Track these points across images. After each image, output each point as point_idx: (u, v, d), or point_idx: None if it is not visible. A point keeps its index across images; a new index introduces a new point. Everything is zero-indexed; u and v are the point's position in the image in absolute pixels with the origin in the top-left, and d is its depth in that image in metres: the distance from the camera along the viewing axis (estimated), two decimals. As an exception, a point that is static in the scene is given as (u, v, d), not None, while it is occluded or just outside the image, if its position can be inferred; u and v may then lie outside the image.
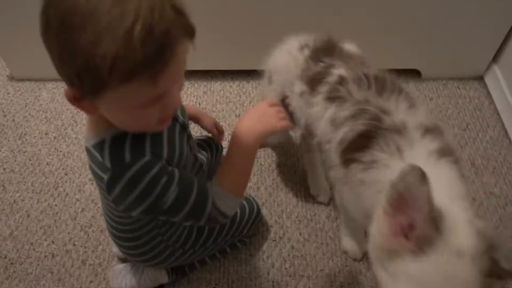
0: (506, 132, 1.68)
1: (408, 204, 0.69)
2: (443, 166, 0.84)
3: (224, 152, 1.49)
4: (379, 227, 0.74)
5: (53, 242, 1.43)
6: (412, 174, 0.66)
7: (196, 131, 1.59)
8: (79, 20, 0.64)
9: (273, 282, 1.35)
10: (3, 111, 1.81)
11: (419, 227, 0.69)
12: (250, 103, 1.78)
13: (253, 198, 1.40)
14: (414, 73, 1.88)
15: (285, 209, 1.50)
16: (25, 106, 1.82)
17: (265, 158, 1.62)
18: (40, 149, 1.67)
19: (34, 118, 1.77)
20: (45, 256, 1.40)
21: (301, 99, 1.13)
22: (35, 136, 1.71)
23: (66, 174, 1.59)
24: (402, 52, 1.76)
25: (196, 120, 1.31)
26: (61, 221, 1.48)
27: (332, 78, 1.05)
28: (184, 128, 1.02)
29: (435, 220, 0.68)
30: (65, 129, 1.73)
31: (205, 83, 1.85)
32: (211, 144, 1.47)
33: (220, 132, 1.34)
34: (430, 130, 0.89)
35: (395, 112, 0.92)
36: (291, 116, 1.19)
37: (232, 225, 1.28)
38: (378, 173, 0.87)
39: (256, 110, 1.01)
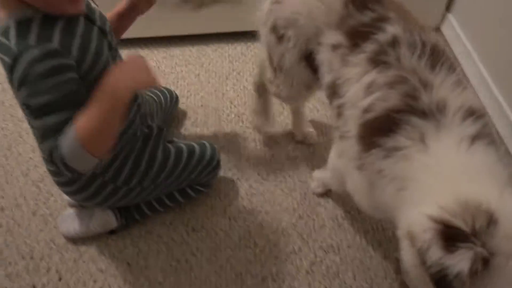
0: (465, 75, 1.69)
1: None
2: (477, 151, 0.74)
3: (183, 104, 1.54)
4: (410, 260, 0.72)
5: (2, 197, 1.38)
6: None
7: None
8: None
9: (230, 218, 1.30)
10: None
11: None
12: (209, 64, 1.78)
13: (211, 147, 1.31)
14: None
15: (244, 153, 1.46)
16: (-17, 80, 1.80)
17: (224, 110, 1.60)
18: (-5, 116, 1.64)
19: (-8, 90, 1.75)
20: (-7, 210, 1.34)
21: (334, 54, 0.94)
22: (-9, 105, 1.68)
23: (21, 137, 1.56)
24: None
25: (132, 8, 1.16)
26: (12, 177, 1.43)
27: (385, 36, 0.87)
28: (104, 33, 1.01)
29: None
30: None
31: (164, 49, 1.86)
32: (166, 92, 1.46)
33: None
34: (472, 113, 0.77)
35: (438, 87, 0.80)
36: (314, 70, 1.03)
37: (175, 166, 1.21)
38: (397, 165, 0.78)
39: (133, 66, 0.95)
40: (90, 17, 0.97)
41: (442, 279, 0.63)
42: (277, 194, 1.35)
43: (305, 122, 1.48)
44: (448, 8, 1.80)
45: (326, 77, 0.98)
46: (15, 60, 0.83)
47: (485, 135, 0.76)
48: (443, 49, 0.87)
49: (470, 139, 0.74)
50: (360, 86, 0.87)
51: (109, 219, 1.25)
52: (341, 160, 0.97)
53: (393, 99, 0.80)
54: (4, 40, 0.85)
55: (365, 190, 0.89)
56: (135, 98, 1.11)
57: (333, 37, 0.94)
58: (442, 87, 0.80)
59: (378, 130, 0.80)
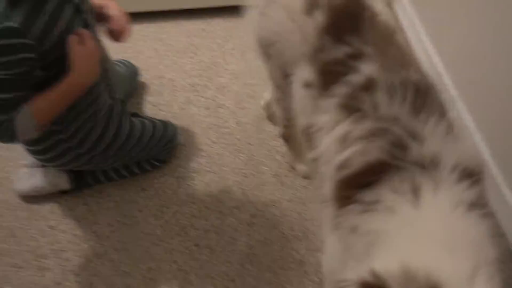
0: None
1: None
2: (473, 221, 0.62)
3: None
4: None
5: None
6: None
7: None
8: None
9: (178, 178, 1.36)
10: None
11: None
12: (168, 39, 1.83)
13: (173, 127, 1.39)
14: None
15: (196, 120, 1.52)
16: None
17: (179, 80, 1.65)
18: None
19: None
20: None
21: (306, 93, 0.84)
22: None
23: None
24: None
25: (101, 8, 1.22)
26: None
27: (358, 78, 0.75)
28: (79, 11, 1.06)
29: None
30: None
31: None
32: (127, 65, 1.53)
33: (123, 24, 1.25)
34: (470, 174, 0.66)
35: (430, 139, 0.68)
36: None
37: (138, 140, 1.27)
38: (377, 219, 0.65)
39: (93, 60, 1.06)
40: None
41: None
42: (225, 156, 1.41)
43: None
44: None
45: (300, 119, 0.88)
46: None
47: (483, 205, 0.65)
48: (428, 89, 0.74)
49: (467, 205, 0.63)
50: (333, 139, 0.75)
51: (62, 180, 1.30)
52: (324, 230, 0.83)
53: (374, 152, 0.69)
54: None
55: (339, 256, 0.74)
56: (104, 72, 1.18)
57: (306, 72, 0.83)
58: (433, 139, 0.68)
59: (357, 185, 0.69)
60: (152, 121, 1.34)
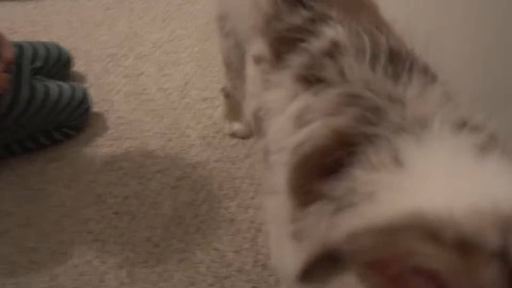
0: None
1: None
2: (489, 161, 0.44)
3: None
4: None
5: None
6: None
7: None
8: None
9: (94, 147, 1.23)
10: None
11: None
12: (83, 12, 1.70)
13: (81, 89, 1.26)
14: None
15: (114, 88, 1.40)
16: None
17: (94, 52, 1.52)
18: None
19: None
20: None
21: (256, 70, 0.71)
22: None
23: None
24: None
25: None
26: None
27: (319, 43, 0.61)
28: None
29: None
30: None
31: (35, 0, 1.75)
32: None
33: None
34: (466, 124, 0.50)
35: (413, 102, 0.53)
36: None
37: (42, 104, 1.14)
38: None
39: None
40: None
41: None
42: (146, 122, 1.30)
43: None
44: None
45: (250, 103, 0.74)
46: None
47: (494, 146, 0.47)
48: (407, 52, 0.60)
49: (477, 148, 0.46)
50: (288, 118, 0.60)
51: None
52: (271, 226, 0.68)
53: (342, 123, 0.53)
54: None
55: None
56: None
57: (256, 46, 0.71)
58: (417, 101, 0.53)
59: (321, 171, 0.51)
60: (57, 83, 1.20)
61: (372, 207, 0.42)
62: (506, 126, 0.51)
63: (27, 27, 1.62)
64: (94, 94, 1.36)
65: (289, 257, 0.58)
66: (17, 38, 1.32)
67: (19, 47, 1.17)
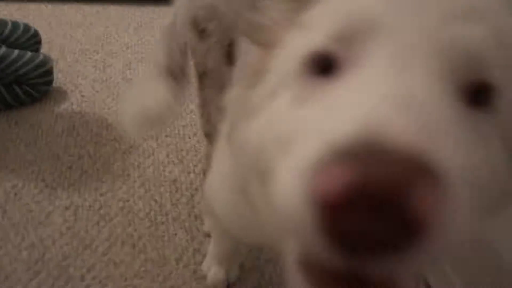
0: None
1: None
2: None
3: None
4: None
5: None
6: None
7: None
8: None
9: (57, 116, 1.36)
10: None
11: None
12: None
13: (44, 55, 1.42)
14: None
15: (81, 75, 1.56)
16: None
17: (68, 45, 1.69)
18: None
19: None
20: None
21: None
22: None
23: None
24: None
25: None
26: None
27: None
28: None
29: None
30: None
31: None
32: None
33: None
34: None
35: None
36: None
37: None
38: None
39: None
40: None
41: None
42: (107, 102, 1.45)
43: None
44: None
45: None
46: None
47: None
48: None
49: None
50: None
51: None
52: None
53: None
54: None
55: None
56: None
57: None
58: None
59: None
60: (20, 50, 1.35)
61: None
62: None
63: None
64: (61, 77, 1.52)
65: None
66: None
67: None
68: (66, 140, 1.29)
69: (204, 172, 1.07)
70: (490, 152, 0.31)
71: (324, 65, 0.33)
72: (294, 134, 0.31)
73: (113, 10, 1.96)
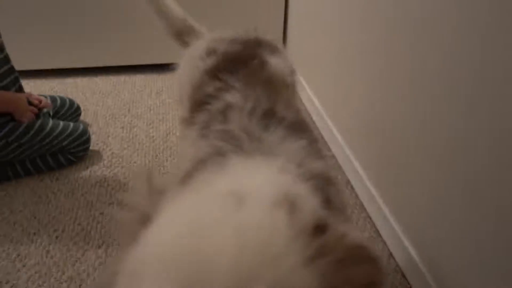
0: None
1: None
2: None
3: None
4: None
5: None
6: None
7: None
8: None
9: (90, 170, 1.59)
10: None
11: None
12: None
13: (83, 125, 1.65)
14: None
15: (111, 135, 1.80)
16: None
17: (100, 111, 1.96)
18: None
19: None
20: None
21: (180, 127, 0.88)
22: None
23: None
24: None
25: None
26: None
27: (218, 105, 0.78)
28: None
29: None
30: None
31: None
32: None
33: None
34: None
35: (265, 140, 0.66)
36: None
37: (51, 130, 1.53)
38: None
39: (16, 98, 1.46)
40: None
41: None
42: (134, 156, 1.67)
43: None
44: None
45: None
46: None
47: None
48: (281, 113, 0.74)
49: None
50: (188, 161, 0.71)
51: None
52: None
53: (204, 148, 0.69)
54: None
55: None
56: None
57: (182, 110, 0.89)
58: (270, 141, 0.66)
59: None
60: (66, 122, 1.61)
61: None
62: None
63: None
64: (95, 138, 1.76)
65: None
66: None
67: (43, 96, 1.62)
68: (98, 190, 1.50)
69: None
70: None
71: None
72: None
73: (138, 78, 2.25)
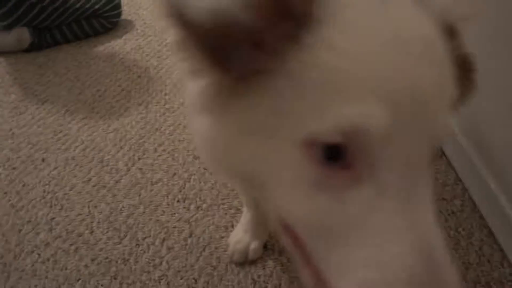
0: None
1: None
2: None
3: None
4: None
5: None
6: None
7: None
8: None
9: (125, 39, 1.63)
10: None
11: None
12: None
13: None
14: None
15: (143, 6, 1.81)
16: None
17: None
18: None
19: None
20: None
21: None
22: None
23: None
24: None
25: None
26: None
27: None
28: None
29: None
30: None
31: None
32: None
33: None
34: None
35: None
36: None
37: None
38: None
39: None
40: None
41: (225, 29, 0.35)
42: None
43: None
44: None
45: None
46: None
47: None
48: None
49: None
50: None
51: (24, 35, 1.55)
52: None
53: None
54: None
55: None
56: None
57: None
58: None
59: None
60: None
61: None
62: None
63: None
64: (127, 9, 1.78)
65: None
66: None
67: None
68: (134, 56, 1.56)
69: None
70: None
71: (331, 153, 0.36)
72: (343, 228, 0.37)
73: None
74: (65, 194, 1.12)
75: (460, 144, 1.10)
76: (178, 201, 1.09)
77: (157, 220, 1.05)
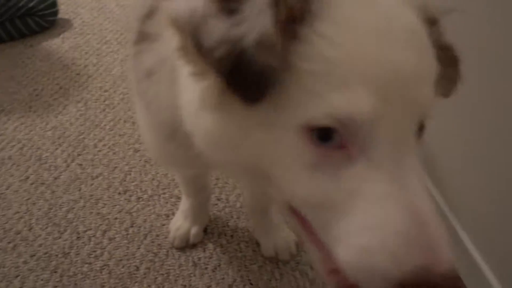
0: None
1: None
2: None
3: None
4: None
5: None
6: None
7: None
8: None
9: (63, 38, 1.61)
10: None
11: None
12: None
13: None
14: None
15: (81, 5, 1.79)
16: None
17: None
18: None
19: None
20: None
21: None
22: None
23: None
24: None
25: None
26: None
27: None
28: None
29: None
30: None
31: None
32: None
33: None
34: None
35: None
36: None
37: None
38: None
39: None
40: None
41: (238, 59, 0.37)
42: (105, 24, 1.69)
43: None
44: None
45: None
46: None
47: None
48: None
49: None
50: None
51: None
52: None
53: None
54: None
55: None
56: None
57: None
58: None
59: None
60: None
61: None
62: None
63: None
64: (64, 8, 1.75)
65: None
66: None
67: None
68: (73, 54, 1.54)
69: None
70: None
71: (326, 136, 0.40)
72: (340, 202, 0.40)
73: None
74: (1, 193, 1.10)
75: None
76: (119, 193, 1.11)
77: (98, 213, 1.06)
